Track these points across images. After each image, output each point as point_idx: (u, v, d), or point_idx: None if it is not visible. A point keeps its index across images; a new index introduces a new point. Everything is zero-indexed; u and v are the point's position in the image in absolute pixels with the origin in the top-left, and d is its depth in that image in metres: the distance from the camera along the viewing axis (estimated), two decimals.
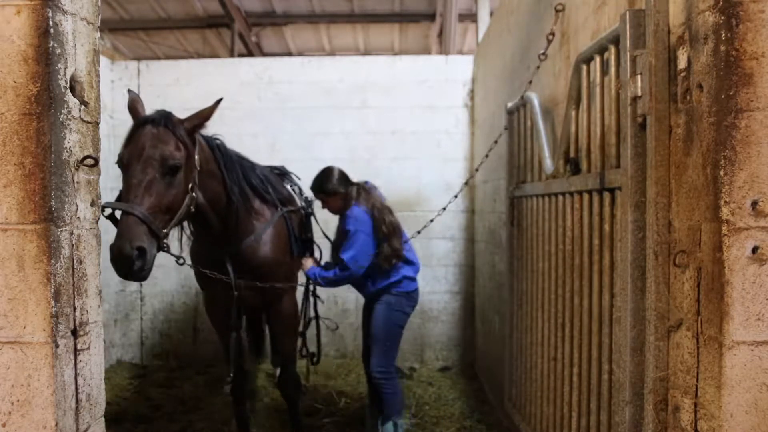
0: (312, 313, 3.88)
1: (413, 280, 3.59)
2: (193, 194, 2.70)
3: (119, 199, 2.47)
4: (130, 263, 2.29)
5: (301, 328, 3.72)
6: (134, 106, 2.73)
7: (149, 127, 2.57)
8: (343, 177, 3.56)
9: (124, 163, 2.54)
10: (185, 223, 3.07)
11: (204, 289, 3.46)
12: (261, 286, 3.20)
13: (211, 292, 3.37)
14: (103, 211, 2.33)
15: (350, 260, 3.32)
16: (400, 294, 3.51)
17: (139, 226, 2.35)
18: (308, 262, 3.56)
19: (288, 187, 3.81)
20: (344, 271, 3.35)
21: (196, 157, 2.75)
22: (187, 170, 2.64)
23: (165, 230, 2.51)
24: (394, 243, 3.42)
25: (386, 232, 3.41)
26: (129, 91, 2.83)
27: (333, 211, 3.58)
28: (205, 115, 2.76)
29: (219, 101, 2.80)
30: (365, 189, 3.55)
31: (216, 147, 3.04)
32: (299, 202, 3.79)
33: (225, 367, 3.57)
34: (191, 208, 2.71)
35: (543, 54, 2.47)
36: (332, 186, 3.49)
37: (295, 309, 3.52)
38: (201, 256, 3.25)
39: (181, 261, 2.84)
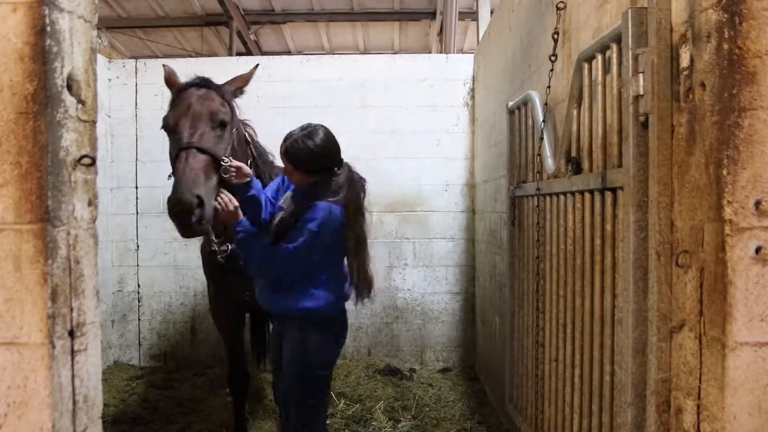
0: None
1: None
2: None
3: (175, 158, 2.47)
4: None
5: None
6: (171, 78, 2.79)
7: (193, 89, 2.63)
8: (333, 152, 2.57)
9: (170, 124, 2.55)
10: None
11: (213, 282, 3.34)
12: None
13: (220, 286, 3.26)
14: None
15: (296, 248, 2.41)
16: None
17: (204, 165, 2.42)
18: (236, 211, 2.50)
19: None
20: (278, 253, 2.43)
21: (235, 121, 2.80)
22: (230, 129, 2.68)
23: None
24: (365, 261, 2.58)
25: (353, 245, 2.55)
26: (164, 66, 2.91)
27: (294, 181, 2.59)
28: (245, 79, 2.89)
29: (256, 66, 2.97)
30: (352, 180, 2.61)
31: (247, 127, 3.13)
32: None
33: (225, 367, 3.54)
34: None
35: (553, 56, 2.45)
36: (317, 164, 2.50)
37: None
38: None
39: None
